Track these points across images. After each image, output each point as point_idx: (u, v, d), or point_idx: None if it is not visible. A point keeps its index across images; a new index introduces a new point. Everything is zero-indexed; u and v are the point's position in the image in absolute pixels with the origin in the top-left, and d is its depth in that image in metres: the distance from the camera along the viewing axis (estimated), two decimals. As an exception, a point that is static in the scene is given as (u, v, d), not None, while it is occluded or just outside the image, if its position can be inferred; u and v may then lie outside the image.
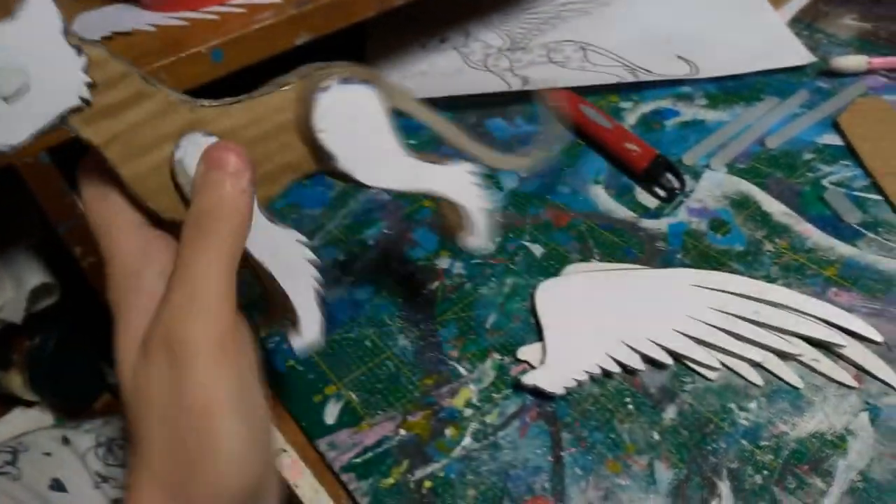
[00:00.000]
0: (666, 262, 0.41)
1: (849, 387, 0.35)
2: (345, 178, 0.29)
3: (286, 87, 0.27)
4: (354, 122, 0.28)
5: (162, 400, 0.23)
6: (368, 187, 0.30)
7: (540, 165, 0.40)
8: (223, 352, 0.23)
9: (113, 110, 0.24)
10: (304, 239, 0.28)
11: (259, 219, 0.27)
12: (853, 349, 0.36)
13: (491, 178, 0.47)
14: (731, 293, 0.38)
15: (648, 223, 0.43)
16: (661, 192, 0.44)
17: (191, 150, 0.25)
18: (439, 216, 0.37)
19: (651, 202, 0.44)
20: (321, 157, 0.28)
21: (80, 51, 0.23)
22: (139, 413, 0.24)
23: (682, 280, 0.39)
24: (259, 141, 0.27)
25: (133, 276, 0.25)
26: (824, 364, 0.36)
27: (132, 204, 0.26)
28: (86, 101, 0.24)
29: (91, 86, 0.23)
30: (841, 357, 0.36)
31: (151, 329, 0.24)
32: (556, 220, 0.44)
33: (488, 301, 0.40)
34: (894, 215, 0.42)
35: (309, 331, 0.30)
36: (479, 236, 0.33)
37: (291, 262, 0.28)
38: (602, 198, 0.45)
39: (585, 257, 0.41)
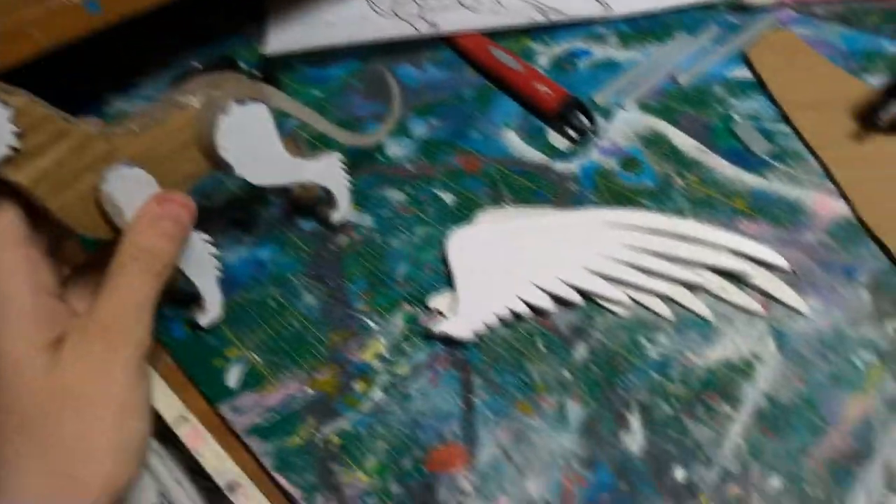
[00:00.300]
0: (578, 202, 0.40)
1: (757, 315, 0.35)
2: (237, 178, 0.33)
3: (186, 109, 0.30)
4: (248, 136, 0.32)
5: (84, 392, 0.26)
6: (257, 186, 0.34)
7: (385, 139, 0.43)
8: (142, 364, 0.28)
9: (37, 152, 0.26)
10: (206, 237, 0.33)
11: None
12: (762, 278, 0.36)
13: (402, 128, 0.45)
14: (642, 229, 0.37)
15: (560, 165, 0.42)
16: (573, 134, 0.43)
17: (117, 182, 0.28)
18: (305, 191, 0.41)
19: (563, 144, 0.43)
20: (219, 166, 0.32)
21: (4, 104, 0.24)
22: (49, 405, 0.25)
23: (593, 219, 0.38)
24: (166, 158, 0.30)
25: (16, 289, 0.27)
26: (733, 294, 0.36)
27: (23, 220, 0.27)
28: (15, 150, 0.25)
29: (17, 134, 0.25)
30: (750, 286, 0.36)
31: (82, 333, 0.26)
32: (467, 166, 0.42)
33: (399, 253, 0.39)
34: (802, 146, 0.42)
35: (212, 310, 0.35)
36: (345, 210, 0.39)
37: (197, 256, 0.33)
38: (514, 142, 0.44)
39: (497, 203, 0.40)
